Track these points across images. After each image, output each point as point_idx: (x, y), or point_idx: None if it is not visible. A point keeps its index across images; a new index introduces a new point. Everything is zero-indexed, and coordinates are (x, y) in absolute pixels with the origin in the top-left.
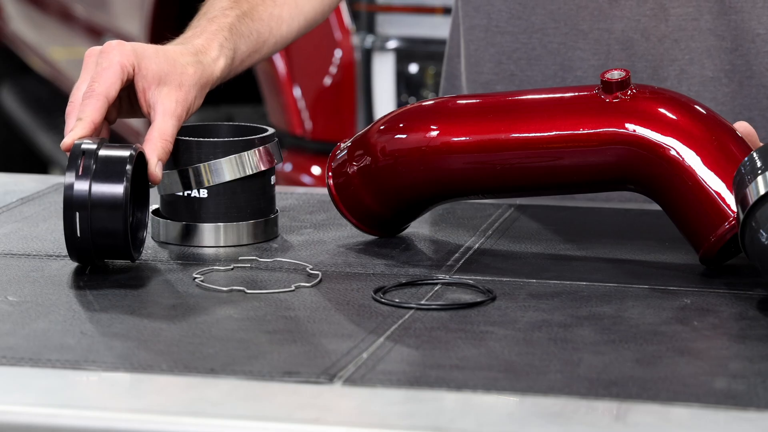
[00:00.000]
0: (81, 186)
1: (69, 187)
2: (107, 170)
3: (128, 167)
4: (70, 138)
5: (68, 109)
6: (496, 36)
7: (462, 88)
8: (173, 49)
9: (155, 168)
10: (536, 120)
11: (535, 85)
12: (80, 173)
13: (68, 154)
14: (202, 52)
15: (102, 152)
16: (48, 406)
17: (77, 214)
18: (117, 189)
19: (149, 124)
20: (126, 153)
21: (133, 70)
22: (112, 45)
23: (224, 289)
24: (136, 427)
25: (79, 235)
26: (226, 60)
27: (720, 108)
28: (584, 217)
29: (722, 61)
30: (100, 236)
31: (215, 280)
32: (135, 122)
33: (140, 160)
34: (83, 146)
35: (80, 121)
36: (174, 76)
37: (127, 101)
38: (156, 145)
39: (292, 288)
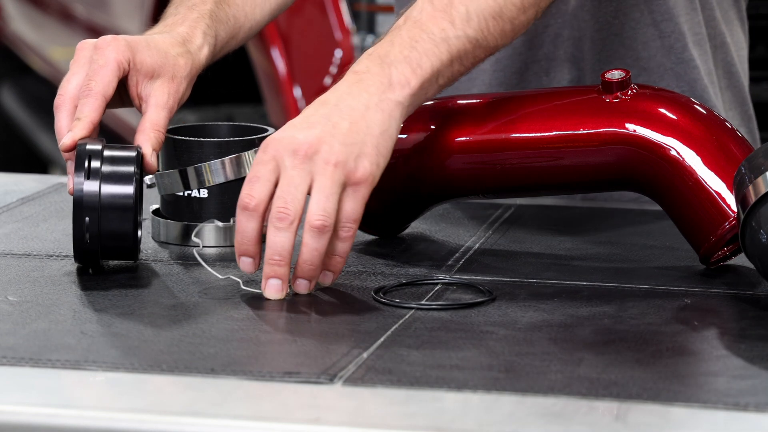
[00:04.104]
0: (91, 188)
1: (79, 190)
2: (115, 172)
3: (135, 168)
4: (70, 138)
5: (58, 101)
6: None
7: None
8: (162, 39)
9: (150, 158)
10: (536, 120)
11: None
12: (89, 175)
13: (65, 154)
14: (188, 41)
15: (107, 153)
16: (48, 406)
17: (87, 215)
18: (127, 190)
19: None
20: (131, 154)
21: (129, 66)
22: (107, 41)
23: (221, 277)
24: (136, 427)
25: (87, 237)
26: (209, 47)
27: None
28: (584, 217)
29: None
30: (109, 238)
31: (216, 281)
32: (133, 120)
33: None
34: (88, 147)
35: (79, 121)
36: (167, 69)
37: (117, 93)
38: (149, 136)
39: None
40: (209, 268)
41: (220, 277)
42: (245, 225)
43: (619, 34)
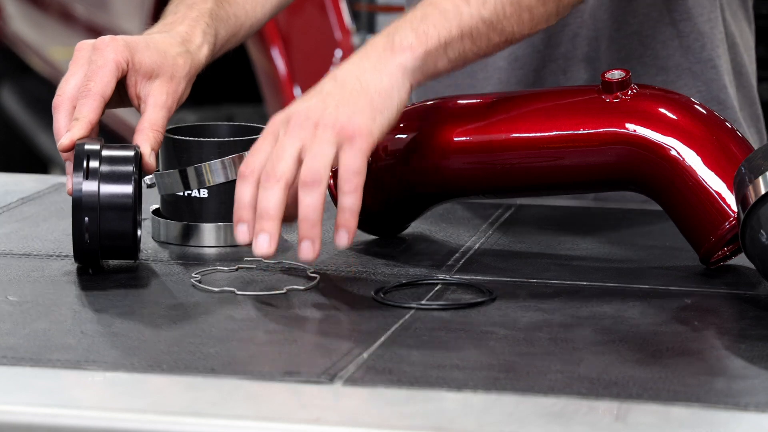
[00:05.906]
0: (90, 188)
1: (78, 190)
2: (114, 171)
3: (134, 168)
4: (68, 138)
5: (56, 101)
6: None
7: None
8: (162, 39)
9: (149, 158)
10: (537, 120)
11: None
12: (87, 175)
13: (64, 154)
14: (187, 41)
15: (106, 153)
16: (48, 406)
17: (86, 215)
18: (126, 190)
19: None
20: (129, 153)
21: (127, 66)
22: (105, 41)
23: (215, 290)
24: (136, 427)
25: (87, 236)
26: (209, 46)
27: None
28: (584, 217)
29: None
30: (109, 238)
31: (216, 280)
32: (133, 120)
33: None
34: (87, 147)
35: (77, 121)
36: (166, 68)
37: (116, 93)
38: (148, 136)
39: (284, 290)
40: (203, 285)
41: (214, 290)
42: (240, 191)
43: (637, 33)
